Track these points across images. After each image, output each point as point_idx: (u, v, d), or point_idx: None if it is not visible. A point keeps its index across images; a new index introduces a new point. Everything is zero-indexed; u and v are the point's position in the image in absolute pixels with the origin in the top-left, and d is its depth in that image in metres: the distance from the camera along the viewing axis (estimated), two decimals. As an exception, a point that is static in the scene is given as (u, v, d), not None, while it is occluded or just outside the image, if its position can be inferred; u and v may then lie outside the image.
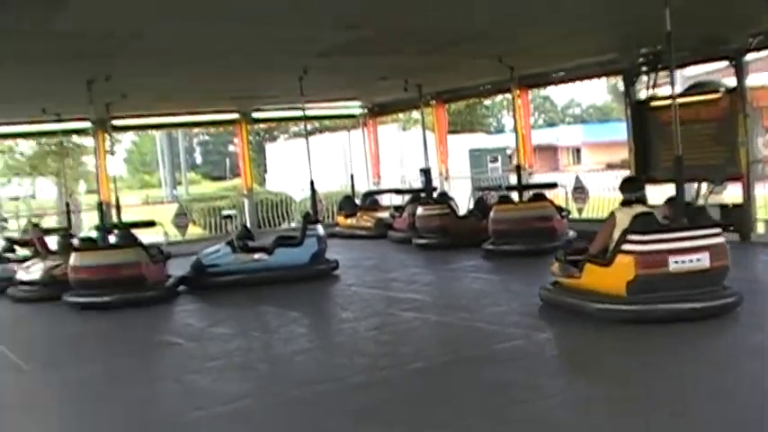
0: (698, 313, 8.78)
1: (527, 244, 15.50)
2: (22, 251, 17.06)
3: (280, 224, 26.12)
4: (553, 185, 17.95)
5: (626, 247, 9.13)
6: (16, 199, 41.10)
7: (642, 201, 9.90)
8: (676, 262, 8.86)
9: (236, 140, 31.90)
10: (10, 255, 16.95)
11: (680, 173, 9.46)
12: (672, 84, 10.17)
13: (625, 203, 9.81)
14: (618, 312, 9.09)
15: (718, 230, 9.23)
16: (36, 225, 17.16)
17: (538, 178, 20.75)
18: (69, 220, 18.64)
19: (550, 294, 10.43)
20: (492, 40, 13.48)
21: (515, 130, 18.52)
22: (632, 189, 9.93)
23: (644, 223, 9.22)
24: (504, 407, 6.70)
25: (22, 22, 9.26)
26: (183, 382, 8.49)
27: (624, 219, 9.43)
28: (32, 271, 15.71)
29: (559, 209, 16.61)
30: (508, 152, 37.72)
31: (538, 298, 10.53)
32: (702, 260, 8.92)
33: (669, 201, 10.03)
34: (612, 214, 9.84)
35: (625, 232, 9.21)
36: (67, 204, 19.14)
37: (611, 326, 9.00)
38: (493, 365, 8.12)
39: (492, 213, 16.35)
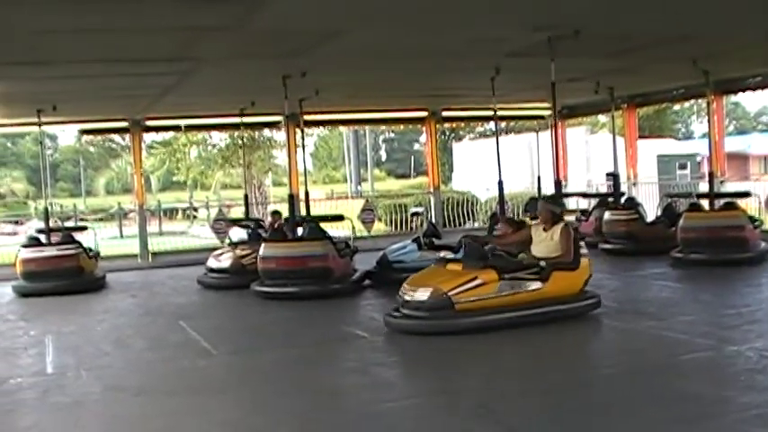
0: None
1: (717, 253, 15.07)
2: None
3: (464, 223, 26.15)
4: (746, 194, 17.38)
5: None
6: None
7: None
8: None
9: (421, 139, 32.07)
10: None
11: None
12: None
13: None
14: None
15: None
16: (277, 212, 17.73)
17: (729, 187, 20.15)
18: (247, 210, 19.21)
19: None
20: (688, 42, 13.14)
21: (708, 136, 17.99)
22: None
23: None
24: (693, 420, 6.53)
25: (225, 19, 9.54)
26: (369, 374, 8.60)
27: None
28: (223, 259, 16.22)
29: (752, 218, 16.07)
30: (698, 159, 36.78)
31: (728, 309, 10.22)
32: None
33: None
34: None
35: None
36: (246, 196, 19.70)
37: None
38: (680, 376, 7.92)
39: (681, 221, 15.95)
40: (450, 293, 10.18)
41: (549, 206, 11.36)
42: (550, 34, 11.52)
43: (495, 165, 16.10)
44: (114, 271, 18.29)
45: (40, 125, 17.40)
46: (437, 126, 24.96)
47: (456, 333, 10.01)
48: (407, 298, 10.53)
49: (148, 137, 33.27)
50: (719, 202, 16.36)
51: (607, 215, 18.40)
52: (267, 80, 14.13)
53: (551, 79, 12.30)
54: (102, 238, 20.98)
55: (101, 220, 32.85)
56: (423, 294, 10.36)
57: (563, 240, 10.93)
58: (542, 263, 10.70)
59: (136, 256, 20.91)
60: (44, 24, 9.25)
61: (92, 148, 58.92)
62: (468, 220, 26.70)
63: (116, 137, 48.34)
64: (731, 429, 6.32)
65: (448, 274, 10.58)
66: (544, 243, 11.09)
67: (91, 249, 17.32)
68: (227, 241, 17.75)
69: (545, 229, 11.20)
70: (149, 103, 17.50)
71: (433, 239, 15.29)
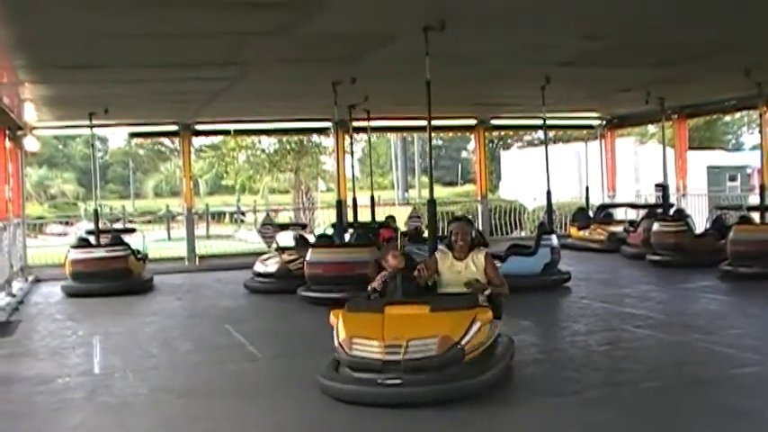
0: None
1: (767, 267, 14.90)
2: None
3: (511, 232, 26.08)
4: (798, 207, 17.17)
5: None
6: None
7: None
8: None
9: (469, 146, 32.02)
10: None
11: None
12: None
13: None
14: None
15: None
16: (390, 217, 17.82)
17: (781, 200, 19.92)
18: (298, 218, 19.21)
19: None
20: (741, 52, 13.00)
21: (761, 147, 17.79)
22: None
23: None
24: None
25: (277, 24, 9.58)
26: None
27: None
28: (269, 264, 16.28)
29: (805, 233, 15.88)
30: (748, 171, 36.38)
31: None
32: None
33: None
34: None
35: None
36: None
37: None
38: (730, 391, 7.80)
39: (731, 233, 15.79)
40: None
41: (467, 228, 9.11)
42: (602, 44, 11.46)
43: (544, 174, 15.99)
44: (161, 273, 18.42)
45: (91, 127, 17.57)
46: (486, 134, 24.90)
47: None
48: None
49: (198, 140, 33.52)
50: (771, 216, 16.18)
51: (656, 226, 18.25)
52: (316, 86, 14.18)
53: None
54: (150, 241, 21.13)
55: (149, 222, 33.05)
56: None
57: (491, 270, 8.84)
58: (480, 298, 8.54)
59: (183, 258, 21.03)
60: (101, 27, 9.35)
61: (141, 151, 59.33)
62: (516, 228, 26.61)
63: (165, 140, 48.70)
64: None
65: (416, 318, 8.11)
66: (463, 274, 8.76)
67: (139, 251, 17.48)
68: (275, 246, 17.81)
69: (458, 258, 8.85)
70: (199, 107, 17.62)
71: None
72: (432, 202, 10.12)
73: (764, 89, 15.76)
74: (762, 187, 17.09)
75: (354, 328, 8.16)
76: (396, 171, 51.30)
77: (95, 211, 17.83)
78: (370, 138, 20.83)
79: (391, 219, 18.15)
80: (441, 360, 7.57)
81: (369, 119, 17.96)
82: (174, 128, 21.21)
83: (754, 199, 18.15)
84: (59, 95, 15.03)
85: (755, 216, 16.46)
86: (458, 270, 8.78)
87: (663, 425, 6.88)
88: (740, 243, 15.50)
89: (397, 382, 7.47)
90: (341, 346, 8.09)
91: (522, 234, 23.90)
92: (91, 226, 18.37)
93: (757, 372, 8.47)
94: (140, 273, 17.15)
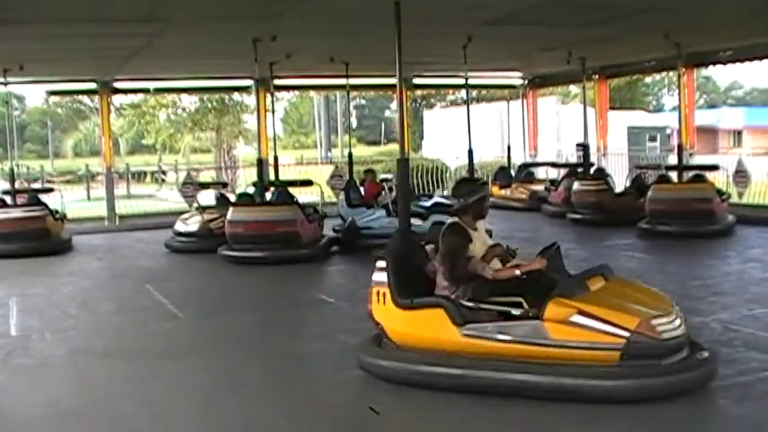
0: None
1: (685, 225, 15.21)
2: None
3: (433, 190, 26.13)
4: (715, 167, 17.44)
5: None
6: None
7: None
8: None
9: (393, 106, 32.00)
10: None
11: None
12: None
13: None
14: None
15: None
16: (370, 171, 17.69)
17: (698, 160, 20.25)
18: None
19: None
20: (661, 14, 13.12)
21: (679, 109, 18.03)
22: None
23: None
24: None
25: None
26: (335, 341, 8.57)
27: None
28: (190, 223, 16.15)
29: (720, 192, 16.17)
30: (668, 131, 36.93)
31: (694, 280, 10.23)
32: None
33: None
34: None
35: None
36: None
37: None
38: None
39: (650, 192, 16.05)
40: None
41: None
42: (529, 2, 11.47)
43: (466, 133, 16.04)
44: (81, 234, 18.17)
45: (6, 84, 17.22)
46: (408, 93, 24.88)
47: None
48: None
49: (117, 99, 32.96)
50: (688, 175, 16.44)
51: (576, 185, 18.46)
52: (237, 43, 14.00)
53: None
54: (69, 201, 20.81)
55: (68, 182, 32.53)
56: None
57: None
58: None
59: (103, 218, 20.78)
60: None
61: (60, 110, 58.33)
62: (438, 187, 26.67)
63: (85, 98, 47.88)
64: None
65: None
66: (486, 244, 7.41)
67: (57, 211, 17.18)
68: (195, 205, 17.64)
69: (474, 228, 7.35)
70: (119, 64, 17.33)
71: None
72: (404, 161, 8.61)
73: (683, 51, 15.95)
74: (680, 147, 17.36)
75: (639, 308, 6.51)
76: (319, 131, 51.12)
77: (11, 170, 17.48)
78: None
79: (370, 172, 18.01)
80: None
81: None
82: (92, 86, 20.86)
83: (673, 159, 18.43)
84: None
85: (673, 176, 16.72)
86: (483, 241, 7.43)
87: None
88: (658, 202, 15.77)
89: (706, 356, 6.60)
90: (637, 333, 6.27)
91: (445, 193, 23.91)
92: (7, 186, 18.02)
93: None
94: (59, 233, 16.85)
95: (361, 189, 16.87)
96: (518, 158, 24.81)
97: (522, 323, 6.49)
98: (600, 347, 6.27)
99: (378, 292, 7.19)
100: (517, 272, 6.89)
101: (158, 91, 25.23)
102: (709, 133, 51.05)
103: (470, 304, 6.75)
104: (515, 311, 6.56)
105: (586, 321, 6.31)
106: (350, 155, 18.53)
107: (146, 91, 25.18)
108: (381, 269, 7.19)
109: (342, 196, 16.86)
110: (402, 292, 7.01)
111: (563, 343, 6.33)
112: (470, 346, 6.57)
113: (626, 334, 6.23)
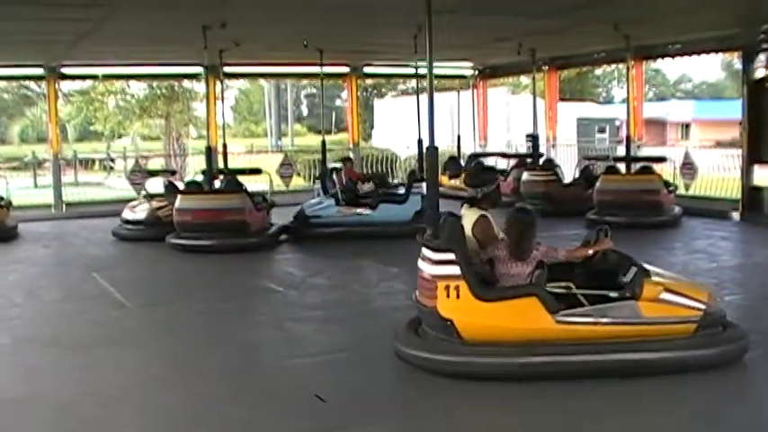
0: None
1: (632, 216, 15.36)
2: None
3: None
4: (662, 159, 17.60)
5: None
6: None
7: None
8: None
9: (343, 95, 31.97)
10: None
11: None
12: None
13: None
14: None
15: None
16: (348, 159, 17.55)
17: (646, 151, 20.42)
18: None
19: None
20: (611, 6, 13.19)
21: (627, 101, 18.18)
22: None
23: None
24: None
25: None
26: (283, 330, 8.59)
27: None
28: (138, 211, 16.02)
29: (667, 183, 16.36)
30: (617, 123, 37.23)
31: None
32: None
33: None
34: None
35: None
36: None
37: None
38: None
39: (598, 183, 16.22)
40: None
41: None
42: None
43: (416, 123, 16.09)
44: (27, 221, 17.91)
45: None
46: (358, 82, 24.90)
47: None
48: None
49: (65, 85, 32.61)
50: (636, 167, 16.63)
51: (525, 175, 18.60)
52: (186, 30, 13.90)
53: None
54: (15, 188, 20.59)
55: (14, 169, 32.22)
56: None
57: None
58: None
59: (50, 206, 20.55)
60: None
61: (5, 95, 57.57)
62: (388, 177, 26.69)
63: (31, 84, 47.30)
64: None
65: None
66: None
67: (2, 198, 16.96)
68: (144, 193, 17.50)
69: None
70: (65, 49, 17.09)
71: (351, 195, 15.37)
72: (434, 149, 8.00)
73: (632, 43, 16.07)
74: (628, 139, 17.53)
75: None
76: (269, 119, 50.98)
77: (-44, 156, 17.28)
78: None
79: (348, 160, 17.94)
80: None
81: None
82: (39, 71, 20.56)
83: (621, 150, 18.59)
84: None
85: (621, 167, 16.86)
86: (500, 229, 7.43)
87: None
88: (606, 192, 15.93)
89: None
90: (709, 305, 6.94)
91: (395, 182, 23.93)
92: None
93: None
94: (4, 220, 16.60)
95: (335, 179, 16.76)
96: (468, 148, 24.86)
97: (619, 304, 6.76)
98: (682, 321, 6.79)
99: (447, 287, 6.78)
100: (590, 251, 7.23)
101: (107, 77, 24.89)
102: (658, 125, 51.53)
103: (561, 291, 6.83)
104: (613, 294, 6.78)
105: (673, 298, 6.81)
106: (323, 143, 18.35)
107: (94, 77, 24.89)
108: (445, 261, 6.82)
109: (317, 185, 16.85)
110: (479, 285, 6.82)
111: (653, 320, 6.74)
112: (564, 332, 6.66)
113: (702, 306, 6.85)
